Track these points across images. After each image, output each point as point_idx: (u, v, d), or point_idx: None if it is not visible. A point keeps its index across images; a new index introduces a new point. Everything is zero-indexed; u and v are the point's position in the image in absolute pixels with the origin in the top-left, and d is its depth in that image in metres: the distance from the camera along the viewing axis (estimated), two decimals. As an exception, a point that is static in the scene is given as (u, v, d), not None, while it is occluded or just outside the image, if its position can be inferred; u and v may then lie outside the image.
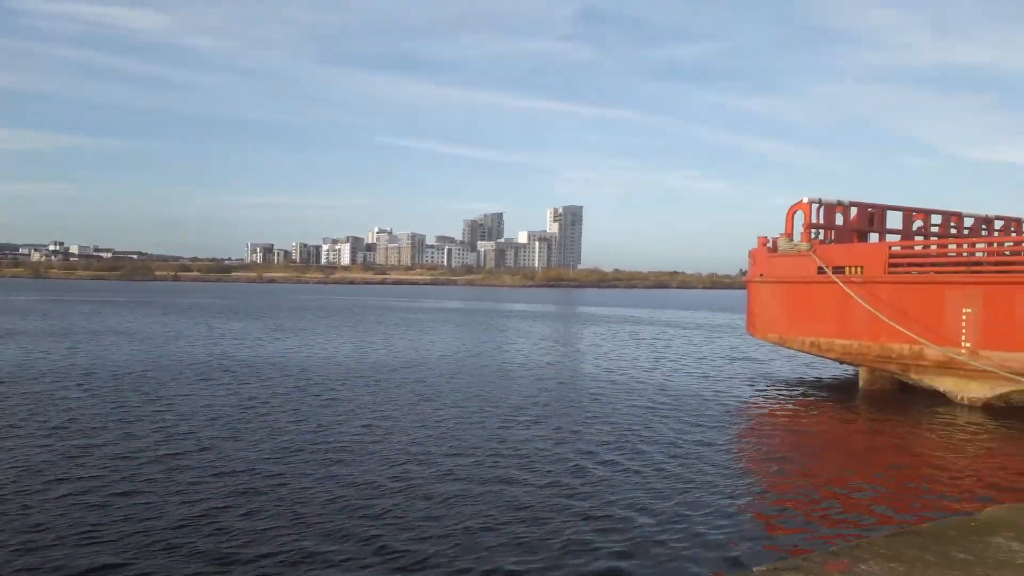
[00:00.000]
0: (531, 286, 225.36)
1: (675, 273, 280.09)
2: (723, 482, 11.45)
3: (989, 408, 18.01)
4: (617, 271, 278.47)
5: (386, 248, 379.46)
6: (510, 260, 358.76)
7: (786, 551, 8.33)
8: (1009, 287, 17.61)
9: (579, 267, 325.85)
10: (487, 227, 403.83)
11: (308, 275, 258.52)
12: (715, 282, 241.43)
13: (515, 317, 62.35)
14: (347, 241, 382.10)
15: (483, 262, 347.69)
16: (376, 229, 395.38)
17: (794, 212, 22.53)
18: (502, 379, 22.77)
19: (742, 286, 27.45)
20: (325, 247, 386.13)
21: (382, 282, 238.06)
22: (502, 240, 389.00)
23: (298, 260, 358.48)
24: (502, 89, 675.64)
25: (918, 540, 4.48)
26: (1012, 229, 26.90)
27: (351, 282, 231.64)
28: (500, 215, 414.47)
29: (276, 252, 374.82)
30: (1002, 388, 17.83)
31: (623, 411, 17.45)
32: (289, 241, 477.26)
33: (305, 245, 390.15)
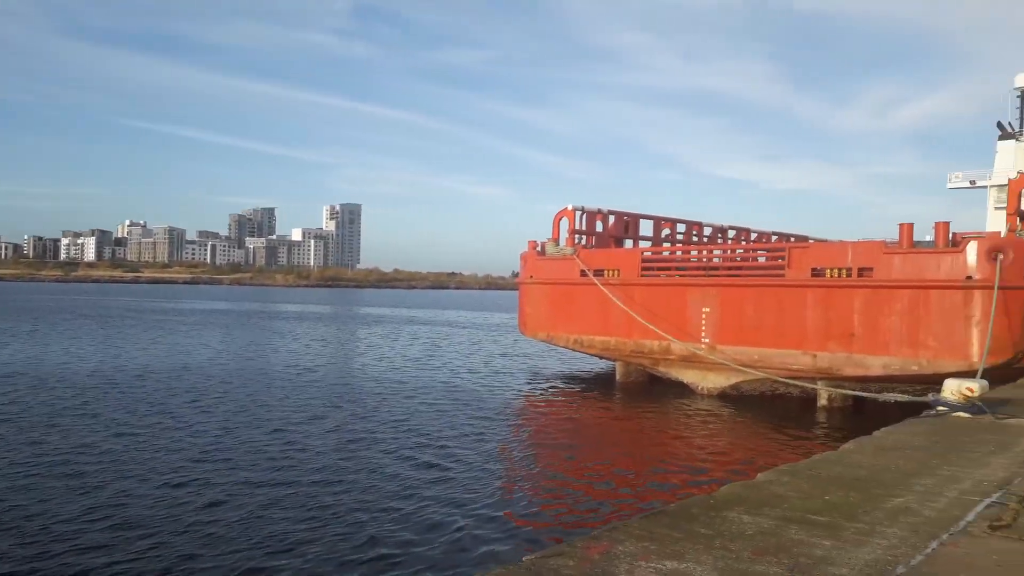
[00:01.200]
0: (306, 286, 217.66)
1: (453, 274, 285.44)
2: (494, 476, 11.82)
3: (725, 396, 20.34)
4: (397, 271, 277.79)
5: (139, 243, 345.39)
6: (283, 258, 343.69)
7: (553, 539, 8.77)
8: (739, 289, 20.02)
9: (358, 267, 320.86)
10: (257, 222, 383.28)
11: (44, 273, 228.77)
12: (491, 283, 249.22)
13: (290, 319, 59.84)
14: (92, 235, 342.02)
15: (252, 260, 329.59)
16: (127, 222, 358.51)
17: (560, 219, 23.90)
18: (277, 384, 21.72)
19: (515, 287, 28.58)
20: (65, 241, 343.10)
21: (134, 280, 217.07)
22: (274, 237, 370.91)
23: (31, 255, 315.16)
24: (276, 80, 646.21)
25: (667, 519, 4.91)
26: (742, 238, 30.66)
27: (97, 280, 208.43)
28: (272, 210, 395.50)
29: (3, 246, 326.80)
30: (735, 378, 20.22)
31: (401, 410, 17.41)
32: (20, 234, 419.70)
33: (40, 239, 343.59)
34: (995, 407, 9.35)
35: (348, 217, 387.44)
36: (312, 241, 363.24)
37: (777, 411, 18.71)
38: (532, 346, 33.50)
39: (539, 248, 24.26)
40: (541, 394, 21.63)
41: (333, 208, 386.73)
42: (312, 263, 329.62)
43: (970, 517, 5.05)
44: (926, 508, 5.24)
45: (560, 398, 21.08)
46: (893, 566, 4.15)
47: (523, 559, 4.27)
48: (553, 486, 11.60)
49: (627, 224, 25.98)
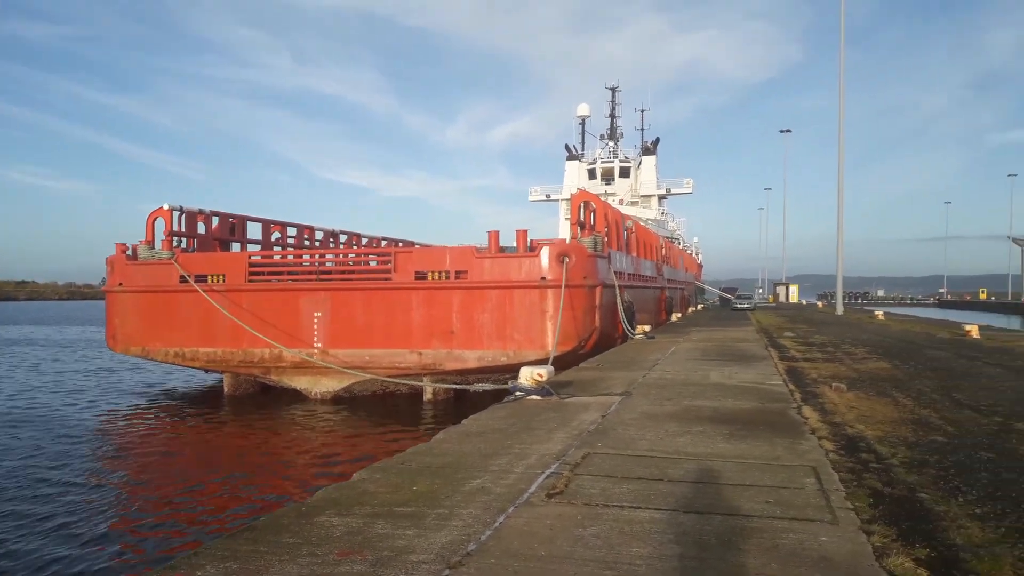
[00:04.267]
0: None
1: (24, 283, 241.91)
2: (83, 506, 10.25)
3: (338, 400, 20.46)
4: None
5: None
6: None
7: (131, 573, 7.87)
8: (350, 293, 20.32)
9: None
10: None
11: None
12: (73, 292, 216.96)
13: None
14: None
15: None
16: None
17: (155, 219, 21.74)
18: None
19: (103, 296, 25.23)
20: None
21: None
22: None
23: None
24: None
25: (253, 535, 4.68)
26: (353, 243, 31.28)
27: None
28: None
29: None
30: (347, 381, 20.46)
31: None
32: None
33: None
34: (560, 389, 10.87)
35: None
36: None
37: (387, 409, 19.39)
38: (125, 363, 29.91)
39: (130, 252, 21.75)
40: (136, 416, 19.36)
41: None
42: None
43: (532, 489, 5.73)
44: (498, 486, 5.81)
45: (161, 416, 19.12)
46: (466, 544, 4.49)
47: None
48: (152, 511, 10.42)
49: (233, 226, 24.70)
